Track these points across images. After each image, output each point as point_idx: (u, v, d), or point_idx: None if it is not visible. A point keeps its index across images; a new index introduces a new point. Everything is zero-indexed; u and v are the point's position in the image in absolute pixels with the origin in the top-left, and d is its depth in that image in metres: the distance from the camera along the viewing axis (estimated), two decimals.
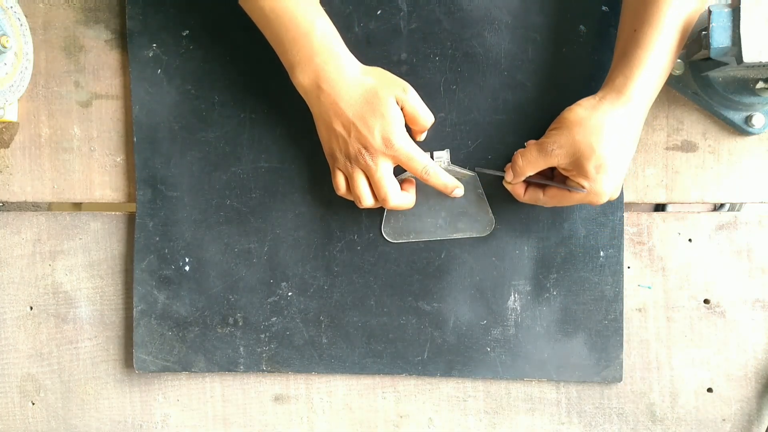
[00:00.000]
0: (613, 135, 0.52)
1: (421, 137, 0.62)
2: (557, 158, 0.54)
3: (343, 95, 0.55)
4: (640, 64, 0.53)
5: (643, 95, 0.53)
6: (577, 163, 0.53)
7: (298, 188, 0.64)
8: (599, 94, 0.54)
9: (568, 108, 0.55)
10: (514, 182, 0.58)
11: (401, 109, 0.56)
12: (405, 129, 0.56)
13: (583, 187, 0.54)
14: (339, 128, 0.56)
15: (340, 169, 0.59)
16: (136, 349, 0.66)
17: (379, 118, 0.55)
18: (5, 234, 0.68)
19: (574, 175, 0.54)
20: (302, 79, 0.56)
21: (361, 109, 0.55)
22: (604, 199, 0.54)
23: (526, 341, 0.64)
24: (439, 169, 0.58)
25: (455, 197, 0.60)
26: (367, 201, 0.58)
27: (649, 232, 0.64)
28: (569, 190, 0.55)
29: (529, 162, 0.55)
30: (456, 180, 0.59)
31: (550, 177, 0.59)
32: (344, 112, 0.55)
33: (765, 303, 0.63)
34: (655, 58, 0.53)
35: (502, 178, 0.59)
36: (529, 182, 0.58)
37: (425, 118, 0.58)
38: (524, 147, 0.57)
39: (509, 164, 0.58)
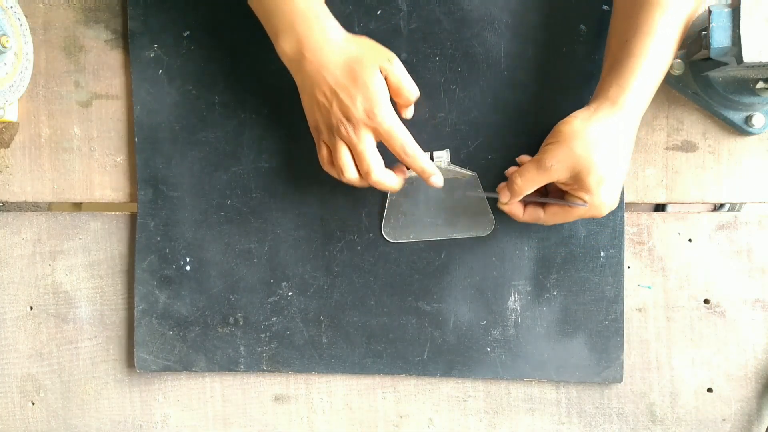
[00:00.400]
0: (611, 146, 0.52)
1: (407, 113, 0.60)
2: (557, 173, 0.52)
3: (326, 63, 0.53)
4: (633, 74, 0.52)
5: (638, 104, 0.53)
6: (578, 177, 0.52)
7: (298, 188, 0.64)
8: (593, 105, 0.53)
9: (562, 121, 0.53)
10: (511, 202, 0.56)
11: (386, 80, 0.54)
12: (389, 102, 0.54)
13: (584, 202, 0.53)
14: (321, 97, 0.54)
15: (324, 142, 0.57)
16: (137, 349, 0.66)
17: (362, 87, 0.53)
18: (5, 234, 0.68)
19: (574, 190, 0.53)
20: (285, 47, 0.55)
21: (343, 78, 0.53)
22: (605, 211, 0.54)
23: (526, 341, 0.64)
24: (419, 152, 0.55)
25: (433, 185, 0.57)
26: (349, 173, 0.56)
27: (649, 232, 0.64)
28: (570, 206, 0.54)
29: (528, 180, 0.54)
30: (434, 167, 0.57)
31: (545, 194, 0.58)
32: (326, 80, 0.53)
33: (765, 303, 0.64)
34: (648, 67, 0.52)
35: (497, 200, 0.58)
36: (526, 202, 0.57)
37: (410, 90, 0.56)
38: (517, 164, 0.56)
39: (502, 184, 0.57)
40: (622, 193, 0.62)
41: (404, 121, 0.56)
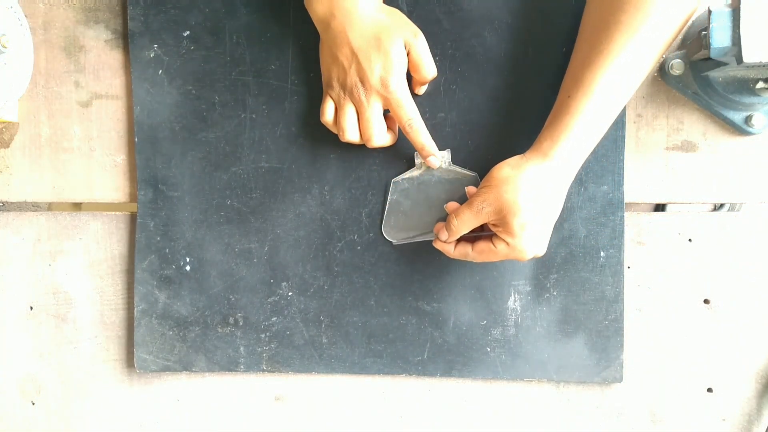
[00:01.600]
0: (537, 195, 0.53)
1: (420, 90, 0.62)
2: (487, 216, 0.54)
3: (353, 25, 0.55)
4: (567, 131, 0.53)
5: (568, 160, 0.53)
6: (504, 220, 0.53)
7: (298, 188, 0.64)
8: (527, 154, 0.55)
9: (495, 166, 0.55)
10: (449, 241, 0.58)
11: (407, 54, 0.57)
12: (405, 75, 0.57)
13: (507, 244, 0.54)
14: (342, 58, 0.56)
15: (331, 97, 0.59)
16: (137, 349, 0.66)
17: (382, 55, 0.55)
18: (5, 234, 0.68)
19: (500, 232, 0.54)
20: (317, 7, 0.57)
21: (367, 43, 0.55)
22: (527, 256, 0.54)
23: (526, 341, 0.64)
24: (422, 127, 0.58)
25: (429, 164, 0.60)
26: (351, 135, 0.59)
27: (649, 232, 0.64)
28: (494, 246, 0.55)
29: (463, 221, 0.55)
30: (435, 147, 0.59)
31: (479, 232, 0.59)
32: (351, 42, 0.55)
33: (765, 303, 0.64)
34: (582, 125, 0.53)
35: (431, 241, 0.60)
36: (459, 239, 0.58)
37: (428, 69, 0.58)
38: (453, 209, 0.58)
39: (440, 223, 0.59)
40: (622, 193, 0.62)
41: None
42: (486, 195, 0.54)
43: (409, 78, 0.59)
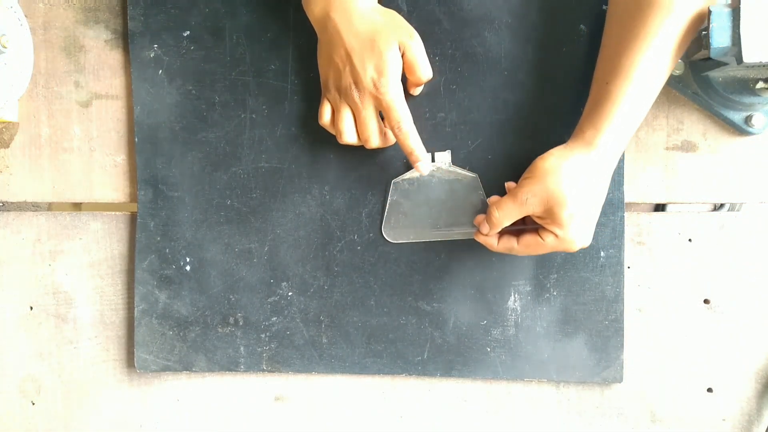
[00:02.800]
0: (584, 184, 0.53)
1: (416, 91, 0.62)
2: (531, 207, 0.54)
3: (348, 26, 0.55)
4: (609, 117, 0.53)
5: (613, 146, 0.53)
6: (551, 212, 0.53)
7: (298, 188, 0.64)
8: (569, 143, 0.54)
9: (539, 157, 0.55)
10: (491, 234, 0.57)
11: (402, 56, 0.57)
12: (398, 77, 0.56)
13: (556, 236, 0.54)
14: (337, 59, 0.56)
15: (328, 100, 0.59)
16: (138, 349, 0.66)
17: (376, 57, 0.55)
18: (5, 234, 0.68)
19: (547, 223, 0.54)
20: (314, 8, 0.57)
21: (361, 44, 0.55)
22: (576, 247, 0.54)
23: (526, 341, 0.64)
24: (412, 132, 0.57)
25: (418, 170, 0.59)
26: (348, 137, 0.58)
27: (649, 232, 0.64)
28: (542, 239, 0.54)
29: (505, 213, 0.55)
30: (424, 153, 0.58)
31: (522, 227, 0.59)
32: (345, 43, 0.55)
33: (765, 303, 0.64)
34: (625, 112, 0.53)
35: (472, 235, 0.60)
36: (501, 232, 0.58)
37: (424, 71, 0.58)
38: (496, 196, 0.58)
39: (481, 215, 0.58)
40: (622, 193, 0.62)
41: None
42: (530, 186, 0.53)
43: (405, 79, 0.59)
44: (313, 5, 0.57)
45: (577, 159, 0.53)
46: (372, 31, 0.55)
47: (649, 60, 0.52)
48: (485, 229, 0.57)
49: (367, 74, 0.55)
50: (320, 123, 0.60)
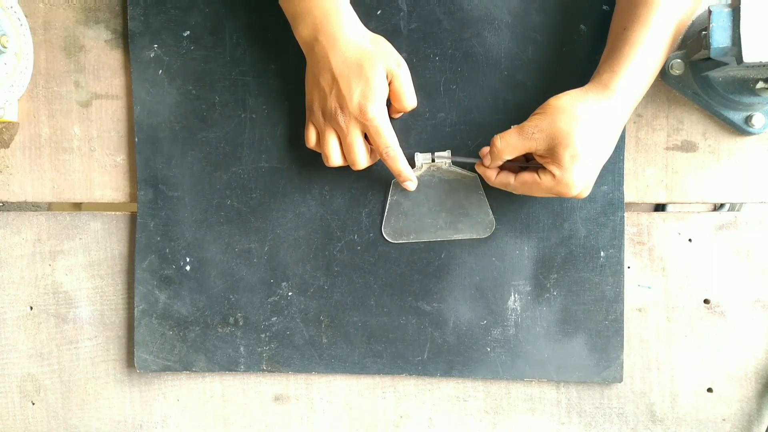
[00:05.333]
0: (593, 127, 0.52)
1: (397, 116, 0.62)
2: (536, 142, 0.53)
3: (336, 51, 0.55)
4: (627, 61, 0.53)
5: (629, 92, 0.53)
6: (554, 150, 0.53)
7: (298, 188, 0.64)
8: (586, 87, 0.54)
9: (555, 96, 0.54)
10: (492, 166, 0.57)
11: (390, 84, 0.57)
12: (385, 102, 0.56)
13: (553, 175, 0.53)
14: (324, 83, 0.56)
15: (313, 123, 0.59)
16: (137, 349, 0.66)
17: (362, 82, 0.55)
18: (5, 234, 0.68)
19: (548, 162, 0.54)
20: (302, 31, 0.57)
21: (348, 69, 0.55)
22: (573, 191, 0.53)
23: (526, 341, 0.64)
24: (400, 154, 0.57)
25: (406, 188, 0.60)
26: (335, 161, 0.58)
27: (649, 232, 0.64)
28: (539, 177, 0.54)
29: (508, 145, 0.55)
30: (411, 173, 0.59)
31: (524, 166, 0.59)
32: (332, 67, 0.55)
33: (765, 303, 0.64)
34: (642, 56, 0.53)
35: (474, 164, 0.60)
36: (501, 167, 0.58)
37: (409, 100, 0.58)
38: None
39: (485, 148, 0.58)
40: (622, 193, 0.62)
41: (397, 121, 0.60)
42: (539, 121, 0.53)
43: (389, 104, 0.59)
44: (302, 28, 0.56)
45: (592, 102, 0.53)
46: (360, 57, 0.55)
47: (666, 8, 0.53)
48: (487, 160, 0.57)
49: (354, 99, 0.55)
50: (307, 146, 0.60)
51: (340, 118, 0.56)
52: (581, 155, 0.52)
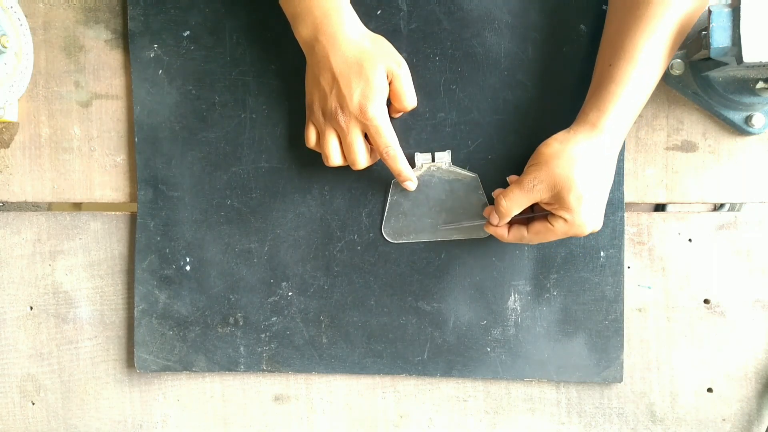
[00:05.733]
0: (590, 166, 0.53)
1: (397, 116, 0.62)
2: (539, 193, 0.54)
3: (336, 50, 0.55)
4: (613, 99, 0.53)
5: (617, 129, 0.53)
6: (558, 196, 0.53)
7: (298, 188, 0.64)
8: (573, 127, 0.55)
9: (543, 143, 0.55)
10: (500, 224, 0.58)
11: (390, 84, 0.57)
12: (385, 102, 0.56)
13: (565, 221, 0.54)
14: (324, 82, 0.56)
15: (313, 123, 0.59)
16: (137, 349, 0.66)
17: (363, 82, 0.55)
18: (5, 234, 0.68)
19: (556, 209, 0.54)
20: (302, 30, 0.57)
21: (348, 69, 0.55)
22: (587, 230, 0.54)
23: (526, 341, 0.64)
24: (400, 154, 0.58)
25: (406, 188, 0.61)
26: (335, 160, 0.59)
27: (649, 232, 0.64)
28: (551, 225, 0.54)
29: (513, 201, 0.55)
30: (411, 173, 0.59)
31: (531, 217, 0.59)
32: (333, 67, 0.55)
33: (765, 303, 0.64)
34: (628, 93, 0.53)
35: (482, 226, 0.60)
36: (511, 222, 0.58)
37: (409, 100, 0.58)
38: (506, 183, 0.58)
39: (488, 207, 0.59)
40: (622, 193, 0.62)
41: (397, 121, 0.60)
42: (536, 172, 0.53)
43: (389, 103, 0.59)
44: (302, 28, 0.56)
45: (582, 142, 0.53)
46: (360, 57, 0.55)
47: (652, 43, 0.52)
48: (495, 219, 0.57)
49: (354, 99, 0.55)
50: (307, 145, 0.60)
51: (341, 118, 0.56)
52: (585, 195, 0.52)
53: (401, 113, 0.62)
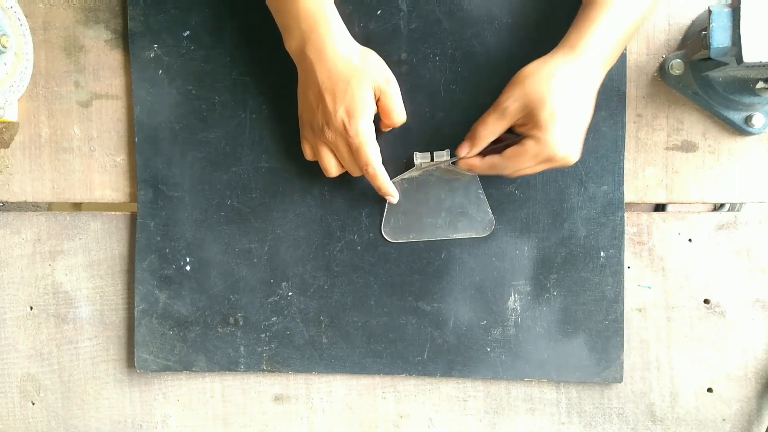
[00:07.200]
0: (565, 86, 0.52)
1: (386, 129, 0.61)
2: (512, 114, 0.53)
3: (322, 66, 0.54)
4: (594, 22, 0.53)
5: (596, 52, 0.53)
6: (531, 114, 0.52)
7: (298, 188, 0.64)
8: (553, 51, 0.54)
9: (522, 68, 0.54)
10: (473, 152, 0.56)
11: (378, 100, 0.56)
12: (371, 119, 0.55)
13: (536, 140, 0.52)
14: (311, 98, 0.56)
15: (306, 138, 0.59)
16: (138, 349, 0.66)
17: (348, 99, 0.54)
18: (5, 234, 0.68)
19: (529, 128, 0.53)
20: (290, 43, 0.56)
21: (334, 85, 0.54)
22: (560, 151, 0.52)
23: (526, 341, 0.64)
24: (380, 172, 0.57)
25: (389, 201, 0.60)
26: (333, 172, 0.59)
27: (649, 232, 0.64)
28: (524, 146, 0.53)
29: (487, 126, 0.54)
30: (392, 188, 0.59)
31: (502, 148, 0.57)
32: (319, 83, 0.55)
33: (765, 303, 0.64)
34: (610, 18, 0.52)
35: (454, 162, 0.59)
36: (483, 152, 0.57)
37: (398, 116, 0.58)
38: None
39: (461, 144, 0.57)
40: (622, 193, 0.62)
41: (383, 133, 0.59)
42: (510, 92, 0.53)
43: (378, 119, 0.58)
44: (291, 40, 0.56)
45: (559, 62, 0.53)
46: (347, 73, 0.54)
47: None
48: (465, 149, 0.57)
49: (338, 116, 0.54)
50: (307, 158, 0.61)
51: (327, 134, 0.56)
52: (558, 112, 0.51)
53: (390, 128, 0.61)
